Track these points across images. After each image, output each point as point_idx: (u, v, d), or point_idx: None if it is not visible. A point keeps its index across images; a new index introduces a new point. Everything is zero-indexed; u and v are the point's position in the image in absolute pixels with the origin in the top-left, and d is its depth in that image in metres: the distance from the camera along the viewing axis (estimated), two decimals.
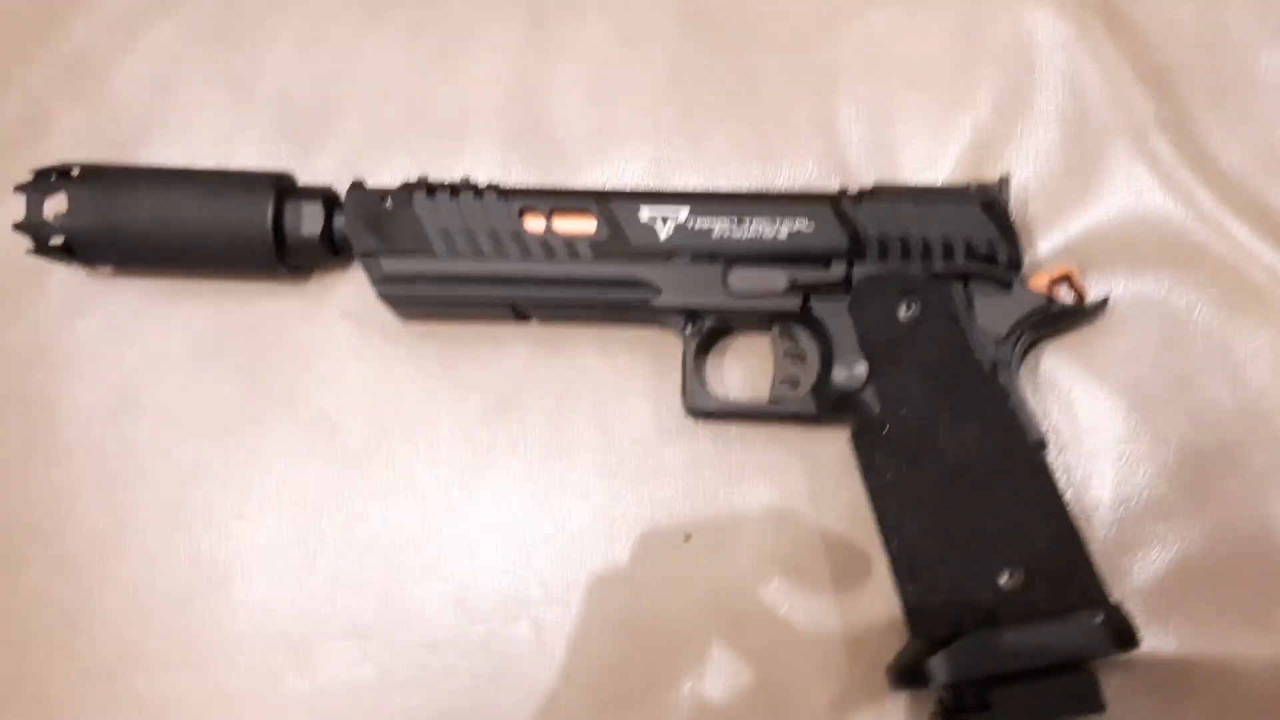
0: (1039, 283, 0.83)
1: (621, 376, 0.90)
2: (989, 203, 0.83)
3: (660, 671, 0.84)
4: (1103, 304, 0.85)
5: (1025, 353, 0.85)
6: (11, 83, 1.00)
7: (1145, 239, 0.89)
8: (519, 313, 0.88)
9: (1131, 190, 0.90)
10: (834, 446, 0.86)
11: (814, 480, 0.87)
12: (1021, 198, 0.90)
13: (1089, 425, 0.86)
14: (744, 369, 0.90)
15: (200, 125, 0.98)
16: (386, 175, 0.91)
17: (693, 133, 0.95)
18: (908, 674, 0.77)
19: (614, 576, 0.86)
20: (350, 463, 0.89)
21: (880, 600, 0.83)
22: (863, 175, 0.91)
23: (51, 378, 0.93)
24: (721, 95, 0.95)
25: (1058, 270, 0.85)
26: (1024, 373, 0.85)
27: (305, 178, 0.92)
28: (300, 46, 0.99)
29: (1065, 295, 0.84)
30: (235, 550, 0.89)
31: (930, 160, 0.92)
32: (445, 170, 0.90)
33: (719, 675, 0.84)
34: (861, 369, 0.81)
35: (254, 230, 0.86)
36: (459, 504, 0.88)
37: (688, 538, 0.86)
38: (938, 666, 0.74)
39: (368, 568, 0.87)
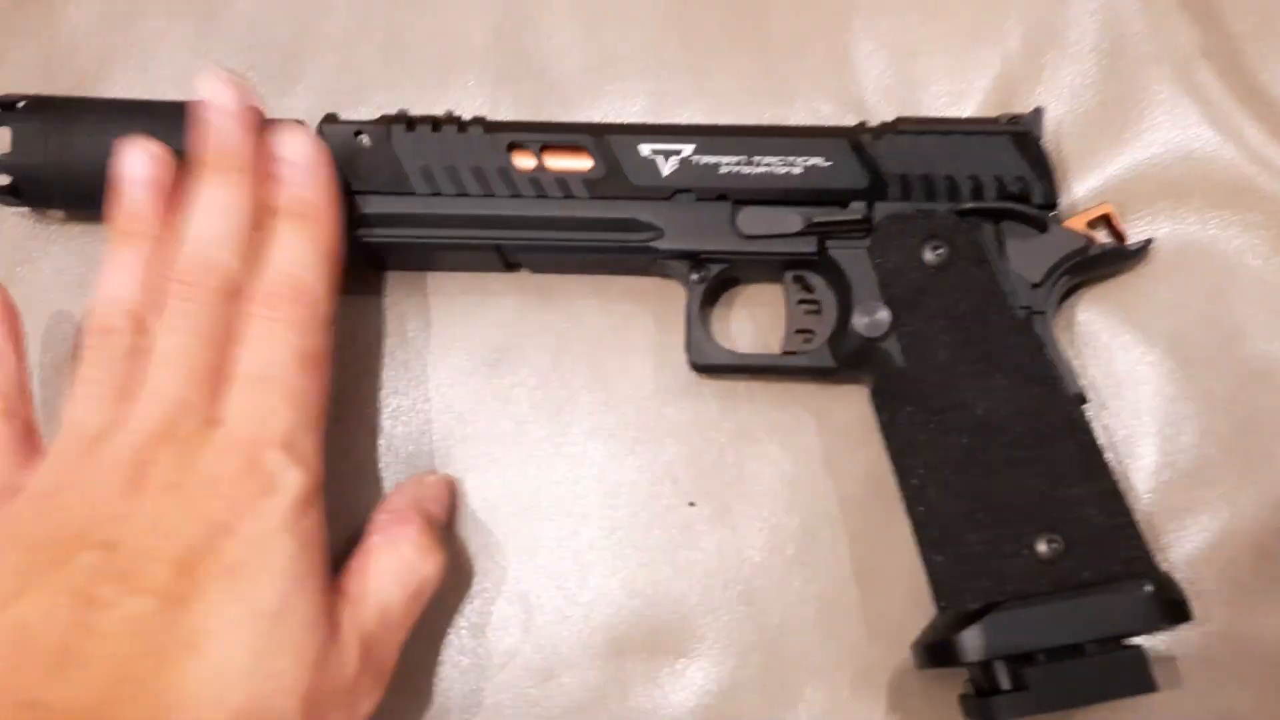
0: (1075, 224, 0.77)
1: (620, 330, 0.83)
2: (1021, 136, 0.77)
3: (662, 650, 0.78)
4: (1146, 245, 0.79)
5: (1060, 301, 0.79)
6: None
7: (1190, 179, 0.83)
8: (508, 261, 0.82)
9: (1175, 126, 0.84)
10: (851, 405, 0.80)
11: (829, 442, 0.81)
12: (1055, 136, 0.83)
13: (1129, 382, 0.80)
14: (753, 322, 0.83)
15: (162, 60, 0.90)
16: (364, 115, 0.84)
17: (697, 69, 0.88)
18: (936, 651, 0.70)
19: (611, 548, 0.80)
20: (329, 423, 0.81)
21: (903, 572, 0.77)
22: (882, 114, 0.84)
23: None
24: (728, 28, 0.88)
25: (1095, 210, 0.78)
26: (1059, 324, 0.79)
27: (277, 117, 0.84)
28: None
29: (1103, 238, 0.78)
30: None
31: (955, 97, 0.86)
32: (425, 107, 0.83)
33: (726, 654, 0.78)
34: (883, 315, 0.74)
35: None
36: (441, 469, 0.82)
37: (692, 505, 0.80)
38: (969, 642, 0.68)
39: (342, 538, 0.78)
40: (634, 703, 0.77)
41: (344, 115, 0.82)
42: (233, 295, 0.69)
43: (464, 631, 0.79)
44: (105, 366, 0.68)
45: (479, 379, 0.83)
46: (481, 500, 0.81)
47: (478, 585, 0.80)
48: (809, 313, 0.80)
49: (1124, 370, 0.80)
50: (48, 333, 0.85)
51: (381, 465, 0.82)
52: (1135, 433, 0.79)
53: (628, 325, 0.83)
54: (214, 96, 0.72)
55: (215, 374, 0.67)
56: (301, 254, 0.71)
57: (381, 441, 0.83)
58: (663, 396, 0.82)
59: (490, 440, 0.82)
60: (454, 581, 0.79)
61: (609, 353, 0.83)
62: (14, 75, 0.90)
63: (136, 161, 0.72)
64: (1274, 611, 0.76)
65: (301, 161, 0.73)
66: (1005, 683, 0.68)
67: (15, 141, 0.78)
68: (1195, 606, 0.70)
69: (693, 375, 0.81)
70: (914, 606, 0.76)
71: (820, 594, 0.78)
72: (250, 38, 0.90)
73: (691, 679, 0.78)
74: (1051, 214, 0.76)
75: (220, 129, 0.72)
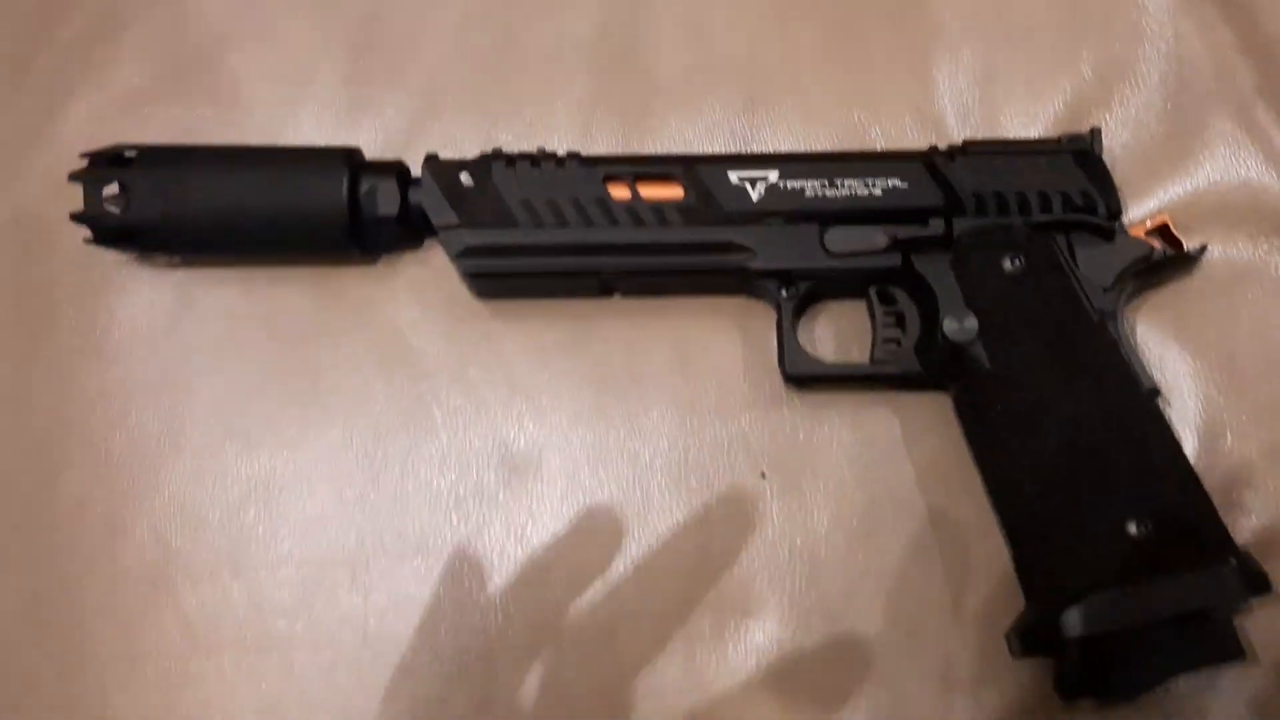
0: (1136, 233, 0.82)
1: (705, 322, 0.87)
2: (1082, 154, 0.82)
3: (728, 609, 0.81)
4: (1202, 250, 0.84)
5: (1125, 305, 0.83)
6: None
7: (1243, 208, 0.88)
8: (605, 286, 0.86)
9: (1232, 159, 0.89)
10: (919, 396, 0.84)
11: (897, 427, 0.85)
12: (1118, 160, 0.88)
13: (1177, 389, 0.84)
14: (836, 336, 0.87)
15: (282, 37, 0.95)
16: (474, 98, 0.92)
17: (791, 76, 0.93)
18: (1037, 632, 0.74)
19: (685, 509, 0.83)
20: (422, 380, 0.87)
21: (960, 552, 0.82)
22: (958, 130, 0.91)
23: (109, 274, 0.90)
24: (822, 40, 0.94)
25: (1153, 220, 0.83)
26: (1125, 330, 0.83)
27: (390, 97, 0.92)
28: None
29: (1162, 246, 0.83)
30: (294, 461, 0.85)
31: (1027, 119, 0.92)
32: (532, 95, 0.92)
33: (789, 617, 0.81)
34: (972, 322, 0.78)
35: (329, 212, 0.83)
36: (530, 428, 0.86)
37: (763, 476, 0.84)
38: (1072, 620, 0.71)
39: (434, 487, 0.84)
40: (699, 657, 0.80)
41: (452, 100, 0.90)
42: None
43: (540, 578, 0.82)
44: None
45: (568, 349, 0.87)
46: (565, 459, 0.85)
47: (558, 537, 0.83)
48: (894, 324, 0.84)
49: (1173, 378, 0.84)
50: None
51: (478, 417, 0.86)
52: (1181, 436, 0.81)
53: (711, 324, 0.87)
54: None
55: None
56: None
57: (478, 396, 0.86)
58: (740, 375, 0.86)
59: (574, 407, 0.86)
60: (534, 534, 0.83)
61: (693, 335, 0.87)
62: (135, 47, 0.95)
63: None
64: None
65: None
66: (1103, 659, 0.71)
67: (132, 195, 0.82)
68: None
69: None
70: (967, 585, 0.80)
71: (880, 567, 0.82)
72: (370, 19, 0.95)
73: (754, 638, 0.81)
74: (1117, 223, 0.81)
75: None
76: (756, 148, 0.91)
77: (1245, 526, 0.81)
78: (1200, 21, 0.92)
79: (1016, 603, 0.76)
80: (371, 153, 0.88)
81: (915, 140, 0.90)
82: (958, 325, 0.78)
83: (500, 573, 0.82)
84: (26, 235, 0.90)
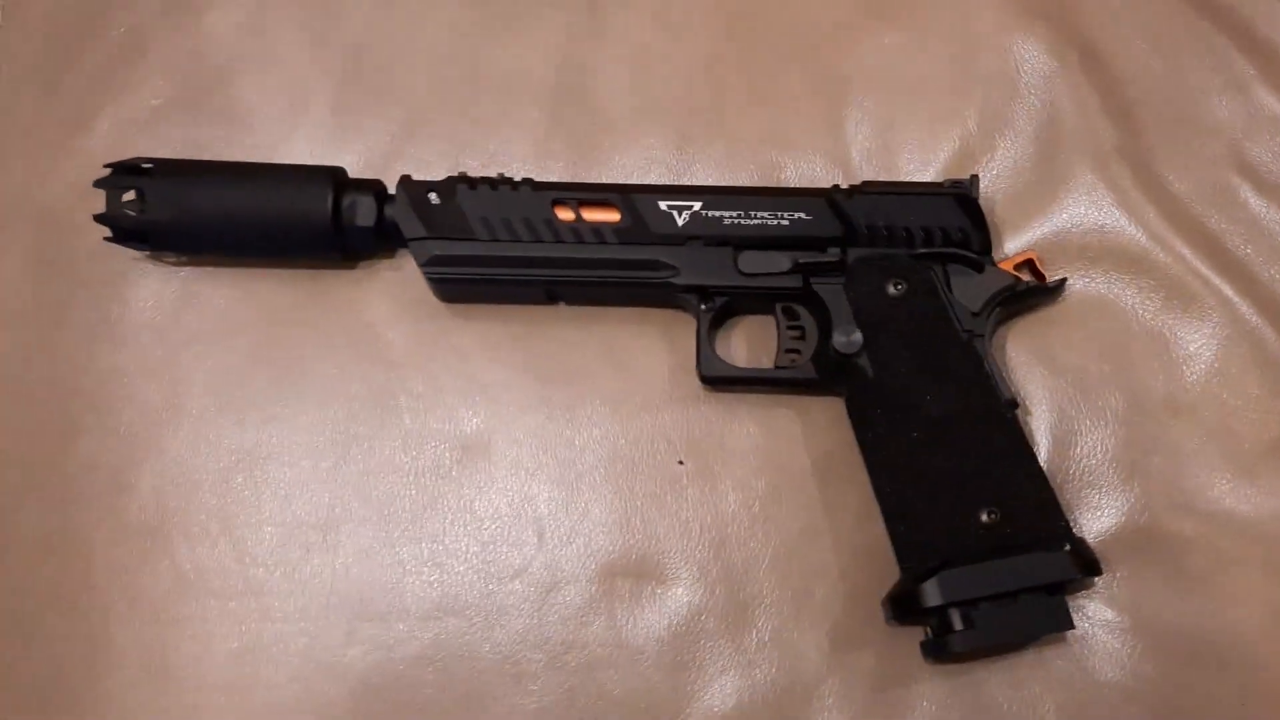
0: (1006, 267, 0.89)
1: (635, 334, 0.94)
2: (961, 196, 0.89)
3: (646, 576, 0.88)
4: (1061, 283, 0.92)
5: (995, 328, 0.90)
6: (115, 9, 1.04)
7: (1100, 247, 0.95)
8: (550, 294, 0.93)
9: (1092, 205, 0.96)
10: (817, 402, 0.91)
11: (797, 425, 0.91)
12: (996, 202, 0.96)
13: (1037, 401, 0.91)
14: (749, 348, 0.93)
15: (282, 67, 1.02)
16: (445, 127, 0.99)
17: (719, 118, 0.99)
18: (902, 601, 0.81)
19: (612, 490, 0.90)
20: (390, 369, 0.94)
21: (845, 533, 0.88)
22: (862, 172, 0.97)
23: (124, 269, 0.96)
24: (748, 89, 1.00)
25: (1021, 256, 0.91)
26: (993, 351, 0.89)
27: (372, 124, 0.99)
28: (377, 5, 1.03)
29: (1027, 278, 0.90)
30: (277, 435, 0.92)
31: (922, 164, 0.98)
32: (494, 126, 0.99)
33: (697, 585, 0.88)
34: (858, 336, 0.85)
35: (315, 221, 0.89)
36: (481, 414, 0.92)
37: (680, 463, 0.91)
38: (930, 591, 0.78)
39: (396, 462, 0.91)
40: (620, 617, 0.87)
41: (426, 128, 0.98)
42: None
43: (485, 548, 0.89)
44: None
45: (516, 344, 0.93)
46: (510, 442, 0.91)
47: (501, 512, 0.90)
48: (795, 338, 0.90)
49: (1035, 392, 0.91)
50: None
51: (436, 402, 0.93)
52: (1038, 443, 0.89)
53: (642, 331, 0.94)
54: None
55: None
56: None
57: (436, 384, 0.93)
58: (665, 375, 0.92)
59: (520, 398, 0.92)
60: (480, 509, 0.90)
61: (625, 340, 0.93)
62: (157, 69, 1.02)
63: None
64: (1144, 598, 0.85)
65: None
66: (958, 624, 0.78)
67: (148, 200, 0.89)
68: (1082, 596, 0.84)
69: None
70: (852, 561, 0.87)
71: (777, 544, 0.88)
72: (355, 54, 1.02)
73: (666, 602, 0.87)
74: (987, 257, 0.88)
75: None
76: (687, 179, 0.97)
77: (1089, 523, 0.87)
78: (1070, 85, 0.98)
79: (894, 577, 0.82)
80: (355, 172, 0.95)
81: (824, 178, 0.96)
82: (845, 339, 0.85)
83: (451, 537, 0.89)
84: (53, 232, 0.97)
